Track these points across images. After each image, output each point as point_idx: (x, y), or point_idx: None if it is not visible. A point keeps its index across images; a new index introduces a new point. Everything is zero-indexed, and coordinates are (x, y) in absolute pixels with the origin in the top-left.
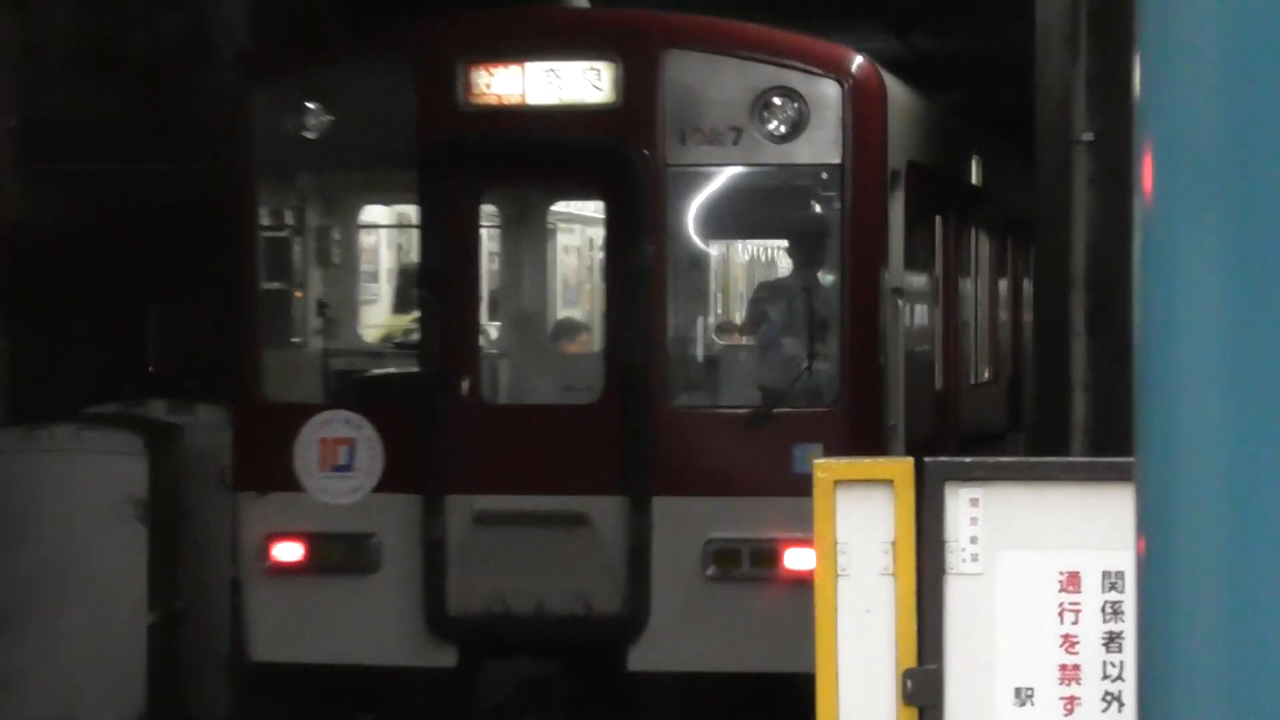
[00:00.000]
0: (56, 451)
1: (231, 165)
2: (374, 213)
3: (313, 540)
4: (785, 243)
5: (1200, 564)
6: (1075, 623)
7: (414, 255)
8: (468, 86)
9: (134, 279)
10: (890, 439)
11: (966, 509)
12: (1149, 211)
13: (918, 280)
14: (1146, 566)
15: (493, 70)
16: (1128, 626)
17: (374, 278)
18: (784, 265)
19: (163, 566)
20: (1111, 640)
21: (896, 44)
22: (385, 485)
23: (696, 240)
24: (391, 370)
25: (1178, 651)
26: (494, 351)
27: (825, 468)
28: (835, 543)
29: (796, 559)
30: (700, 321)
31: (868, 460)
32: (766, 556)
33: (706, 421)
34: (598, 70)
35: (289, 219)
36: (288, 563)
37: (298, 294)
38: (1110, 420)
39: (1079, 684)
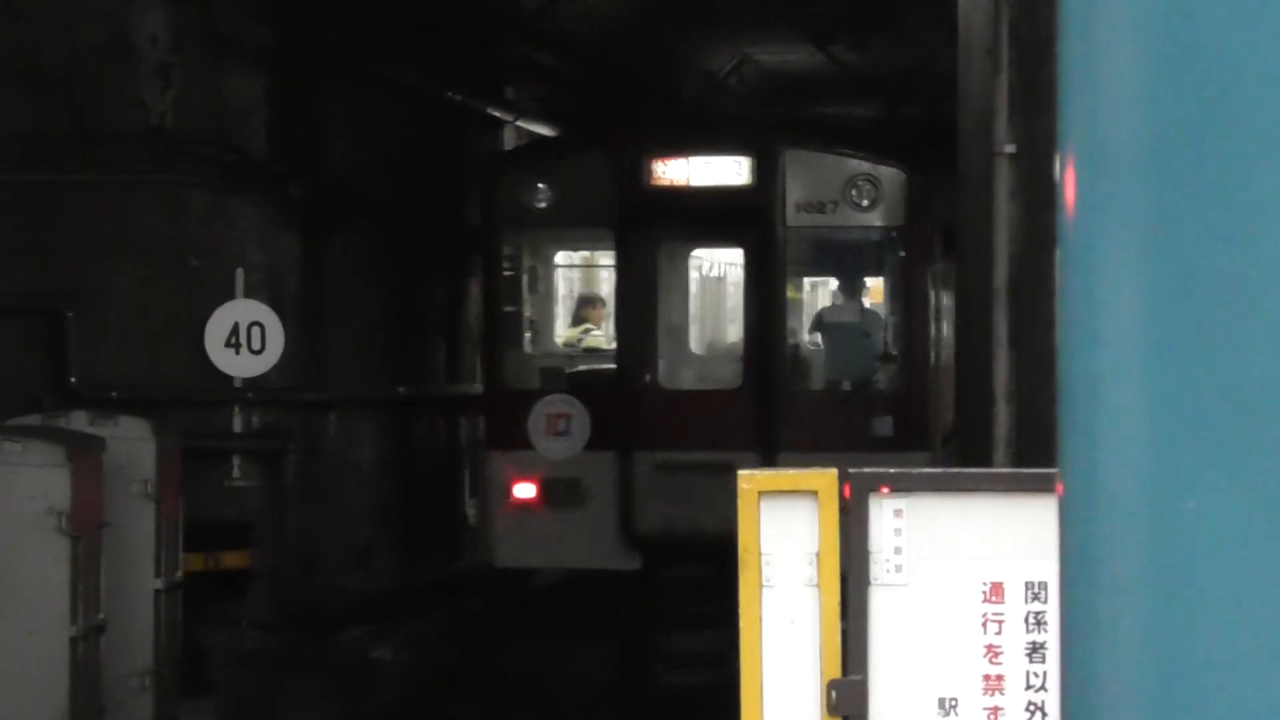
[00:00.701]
0: None
1: (485, 226)
2: (560, 256)
3: (542, 482)
4: (863, 276)
5: (1123, 574)
6: (999, 633)
7: (578, 286)
8: (649, 172)
9: (53, 289)
10: (933, 415)
11: (890, 520)
12: (1071, 223)
13: (944, 303)
14: (1069, 577)
15: (666, 162)
16: (1051, 637)
17: (556, 301)
18: (858, 294)
19: (85, 579)
20: (1035, 650)
21: (819, 56)
22: (592, 445)
23: (804, 276)
24: (582, 367)
25: (1100, 663)
26: (665, 352)
27: (749, 479)
28: (760, 554)
29: None
30: (805, 331)
31: (792, 471)
32: None
33: (813, 399)
34: (739, 162)
35: (515, 262)
36: (524, 499)
37: (528, 315)
38: (1033, 431)
39: (1002, 694)
